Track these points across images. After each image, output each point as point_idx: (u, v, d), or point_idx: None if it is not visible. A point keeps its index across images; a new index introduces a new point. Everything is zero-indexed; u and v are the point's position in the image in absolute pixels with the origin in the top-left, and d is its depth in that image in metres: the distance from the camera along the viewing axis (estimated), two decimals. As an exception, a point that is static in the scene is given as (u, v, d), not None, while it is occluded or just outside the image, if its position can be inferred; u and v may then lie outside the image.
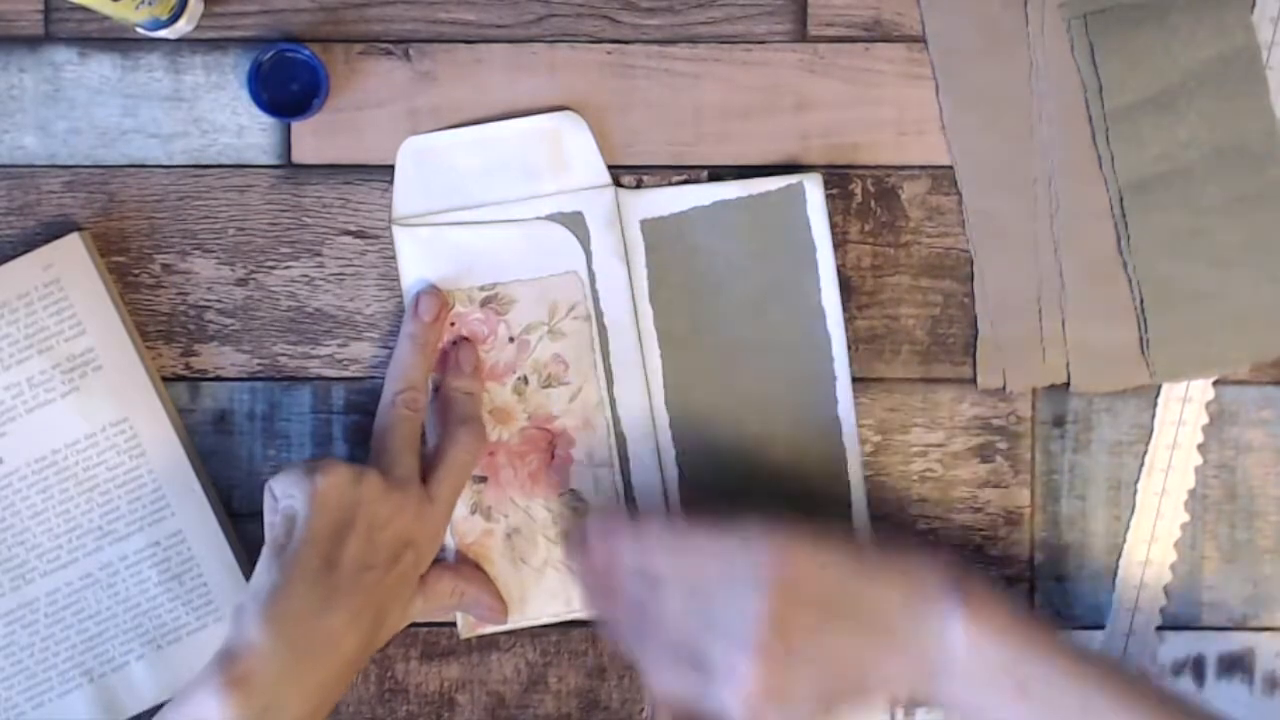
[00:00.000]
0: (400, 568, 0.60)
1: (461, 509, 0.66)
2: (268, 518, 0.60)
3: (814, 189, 0.65)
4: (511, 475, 0.66)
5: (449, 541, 0.66)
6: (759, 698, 0.57)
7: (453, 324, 0.65)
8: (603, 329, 0.66)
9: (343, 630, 0.57)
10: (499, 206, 0.65)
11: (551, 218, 0.65)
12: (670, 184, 0.66)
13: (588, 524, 0.64)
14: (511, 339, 0.66)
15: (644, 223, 0.66)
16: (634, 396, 0.66)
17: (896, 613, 0.58)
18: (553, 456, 0.66)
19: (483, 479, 0.66)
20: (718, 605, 0.58)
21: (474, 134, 0.65)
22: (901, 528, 0.67)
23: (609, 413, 0.66)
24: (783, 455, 0.66)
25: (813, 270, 0.66)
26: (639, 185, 0.66)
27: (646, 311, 0.66)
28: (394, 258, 0.66)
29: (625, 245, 0.66)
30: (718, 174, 0.66)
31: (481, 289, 0.65)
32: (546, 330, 0.66)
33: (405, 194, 0.65)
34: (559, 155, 0.65)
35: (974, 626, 0.57)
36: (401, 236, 0.65)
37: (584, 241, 0.65)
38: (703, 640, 0.58)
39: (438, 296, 0.64)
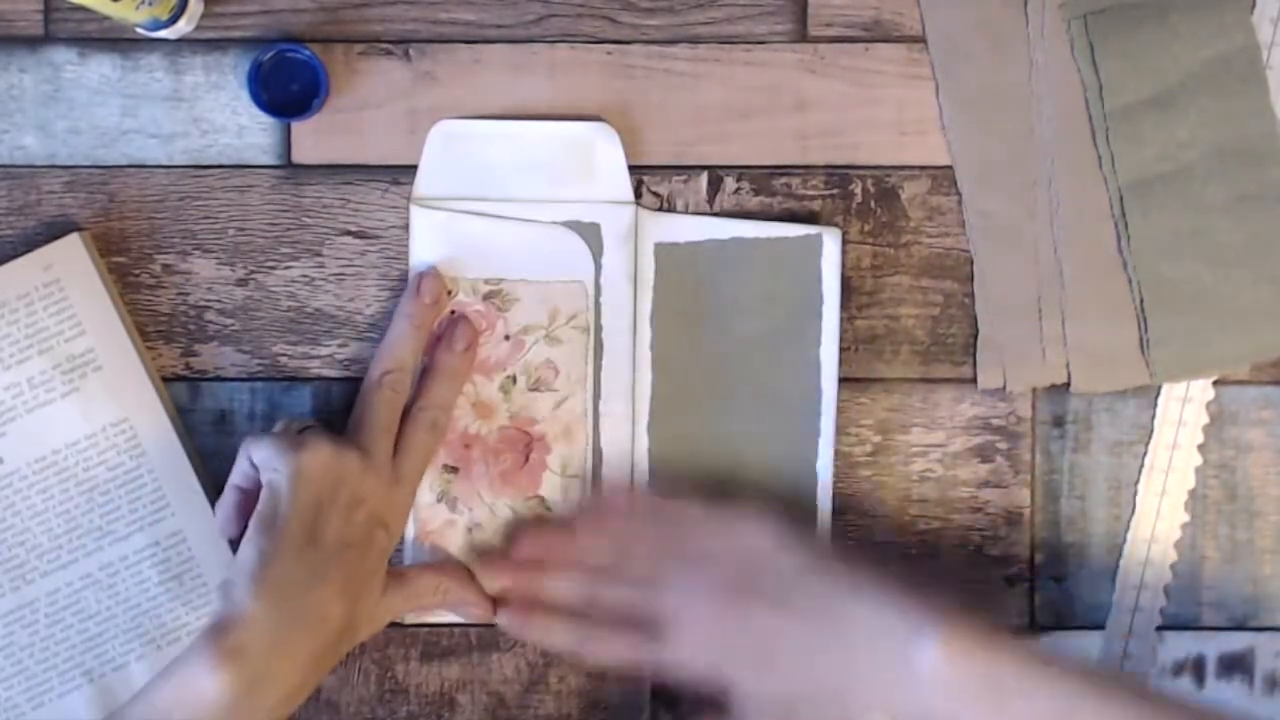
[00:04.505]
0: (375, 547, 0.61)
1: (428, 495, 0.66)
2: (234, 479, 0.61)
3: (831, 243, 0.65)
4: (483, 471, 0.66)
5: (409, 529, 0.66)
6: (709, 638, 0.60)
7: (452, 312, 0.65)
8: (599, 343, 0.66)
9: (329, 602, 0.58)
10: (519, 204, 0.65)
11: (568, 224, 0.65)
12: (692, 213, 0.66)
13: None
14: (507, 336, 0.66)
15: (658, 246, 0.66)
16: (619, 415, 0.66)
17: (864, 628, 0.58)
18: (527, 460, 0.66)
19: (454, 469, 0.66)
20: (683, 569, 0.62)
21: (507, 128, 0.65)
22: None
23: (590, 427, 0.66)
24: (752, 499, 0.65)
25: (816, 322, 0.65)
26: (661, 208, 0.66)
27: (646, 333, 0.66)
28: (395, 258, 0.66)
29: (636, 265, 0.65)
30: (718, 174, 0.66)
31: (486, 282, 0.65)
32: (544, 334, 0.66)
33: (429, 175, 0.65)
34: (587, 165, 0.65)
35: (949, 643, 0.56)
36: (418, 216, 0.65)
37: (596, 254, 0.65)
38: (657, 595, 0.62)
39: (440, 280, 0.64)
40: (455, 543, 0.66)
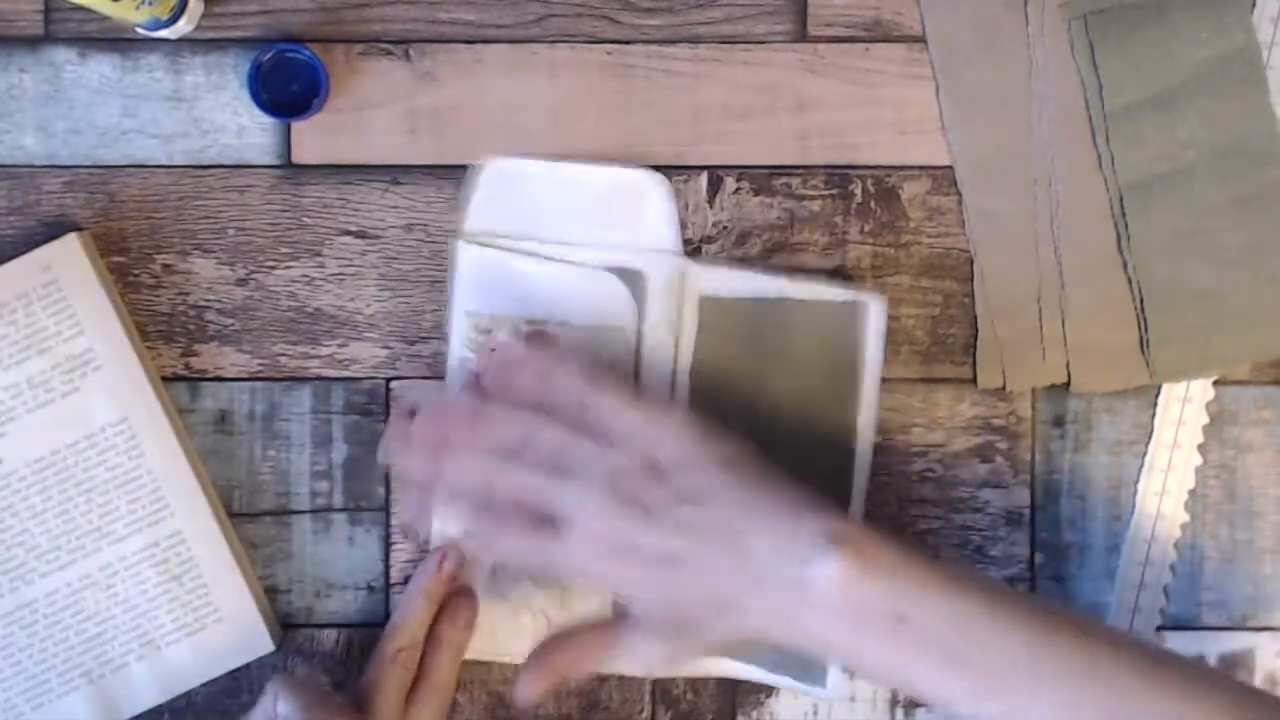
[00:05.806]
0: None
1: (455, 532, 0.65)
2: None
3: (877, 311, 0.65)
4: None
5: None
6: (605, 544, 0.56)
7: (492, 349, 0.63)
8: None
9: None
10: (566, 247, 0.65)
11: (613, 270, 0.65)
12: (738, 268, 0.65)
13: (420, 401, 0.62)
14: None
15: (703, 299, 0.65)
16: None
17: (765, 543, 0.55)
18: None
19: None
20: (589, 454, 0.57)
21: (558, 170, 0.65)
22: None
23: None
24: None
25: (855, 390, 0.65)
26: (706, 257, 0.65)
27: (684, 386, 0.65)
28: (395, 258, 0.66)
29: (680, 316, 0.65)
30: (718, 175, 0.66)
31: (529, 323, 0.65)
32: None
33: (479, 212, 0.65)
34: (636, 211, 0.65)
35: (848, 565, 0.53)
36: (464, 253, 0.65)
37: (640, 302, 0.65)
38: (556, 489, 0.57)
39: (460, 555, 0.64)
40: (479, 580, 0.66)
